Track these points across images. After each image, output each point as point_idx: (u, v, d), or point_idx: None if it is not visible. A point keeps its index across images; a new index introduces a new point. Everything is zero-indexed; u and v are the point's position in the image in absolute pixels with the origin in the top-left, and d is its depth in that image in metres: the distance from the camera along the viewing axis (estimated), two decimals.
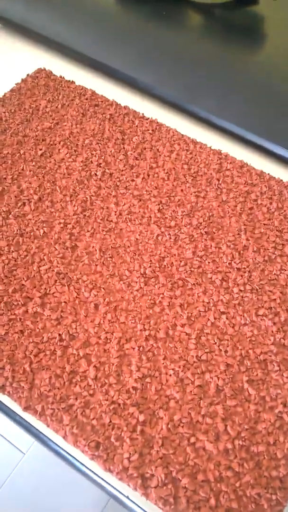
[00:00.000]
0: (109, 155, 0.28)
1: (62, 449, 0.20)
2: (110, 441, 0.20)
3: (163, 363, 0.21)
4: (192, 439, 0.20)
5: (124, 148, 0.29)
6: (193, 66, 0.32)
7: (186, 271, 0.24)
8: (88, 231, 0.25)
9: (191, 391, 0.21)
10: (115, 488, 0.19)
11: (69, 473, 0.73)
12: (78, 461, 0.20)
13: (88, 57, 0.33)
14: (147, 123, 0.30)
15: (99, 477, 0.20)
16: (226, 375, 0.21)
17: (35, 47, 0.36)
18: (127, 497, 0.20)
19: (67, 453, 0.20)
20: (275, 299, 0.23)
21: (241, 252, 0.25)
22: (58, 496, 0.72)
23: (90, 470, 0.20)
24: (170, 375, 0.21)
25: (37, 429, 0.21)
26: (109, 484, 0.19)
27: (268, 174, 0.28)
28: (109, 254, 0.24)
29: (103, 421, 0.20)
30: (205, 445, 0.20)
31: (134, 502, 0.19)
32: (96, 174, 0.28)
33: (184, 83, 0.31)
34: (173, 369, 0.21)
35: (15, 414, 0.21)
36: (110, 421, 0.20)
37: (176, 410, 0.20)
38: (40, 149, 0.29)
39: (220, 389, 0.21)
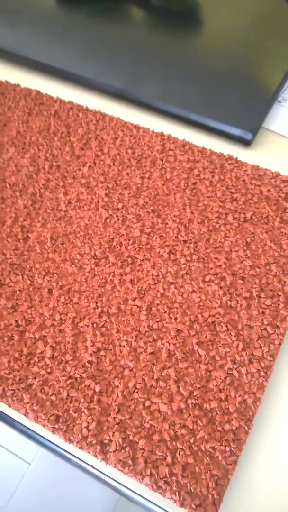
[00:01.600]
0: (56, 149, 0.29)
1: (68, 452, 0.21)
2: (69, 414, 0.20)
3: (117, 336, 0.22)
4: (147, 403, 0.20)
5: (69, 140, 0.30)
6: (133, 55, 0.33)
7: (135, 249, 0.25)
8: (38, 221, 0.26)
9: (144, 359, 0.22)
10: (124, 486, 0.20)
11: (76, 480, 0.74)
12: (84, 462, 0.21)
13: (30, 59, 0.34)
14: (91, 114, 0.31)
15: (106, 475, 0.20)
16: (177, 340, 0.22)
17: None
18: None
19: (73, 455, 0.21)
20: (220, 265, 0.24)
21: (187, 225, 0.26)
22: (68, 503, 0.72)
23: (98, 471, 0.20)
24: (124, 346, 0.22)
25: (40, 435, 0.21)
26: (118, 482, 0.20)
27: (210, 149, 0.29)
28: (60, 241, 0.25)
29: (61, 395, 0.21)
30: (160, 407, 0.20)
31: (144, 498, 0.20)
32: (44, 168, 0.29)
33: (124, 73, 0.32)
34: (126, 341, 0.22)
35: (18, 423, 0.22)
36: (68, 395, 0.21)
37: (130, 378, 0.21)
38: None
39: (172, 354, 0.22)
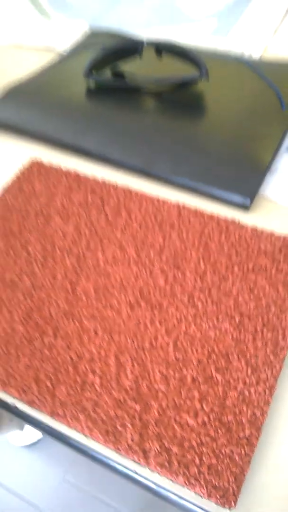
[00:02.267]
0: (93, 217, 0.37)
1: (114, 461, 0.27)
2: (116, 428, 0.26)
3: (150, 366, 0.28)
4: (177, 418, 0.26)
5: (104, 210, 0.37)
6: (150, 138, 0.41)
7: (161, 296, 0.31)
8: (83, 276, 0.33)
9: (173, 383, 0.27)
10: (161, 487, 0.25)
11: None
12: (128, 469, 0.26)
13: (66, 143, 0.43)
14: (120, 189, 0.39)
15: (146, 479, 0.26)
16: (198, 367, 0.28)
17: (22, 140, 0.46)
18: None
19: (118, 463, 0.27)
20: (230, 307, 0.30)
21: (201, 275, 0.32)
22: None
23: (140, 475, 0.26)
24: (156, 374, 0.28)
25: (92, 449, 0.27)
26: (156, 484, 0.26)
27: (217, 215, 0.36)
28: (101, 292, 0.32)
29: (110, 414, 0.27)
30: (188, 421, 0.26)
31: (178, 495, 0.25)
32: (85, 233, 0.36)
33: (144, 153, 0.40)
34: (158, 370, 0.28)
35: (72, 440, 0.28)
36: (115, 414, 0.27)
37: (163, 399, 0.27)
38: (40, 220, 0.37)
39: (195, 379, 0.27)
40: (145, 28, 0.60)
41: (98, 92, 0.47)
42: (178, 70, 0.46)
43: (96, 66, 0.46)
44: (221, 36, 0.57)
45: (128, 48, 0.46)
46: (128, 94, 0.46)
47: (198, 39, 0.57)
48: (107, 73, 0.48)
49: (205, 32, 0.58)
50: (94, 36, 0.58)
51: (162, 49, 0.46)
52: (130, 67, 0.47)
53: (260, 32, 0.57)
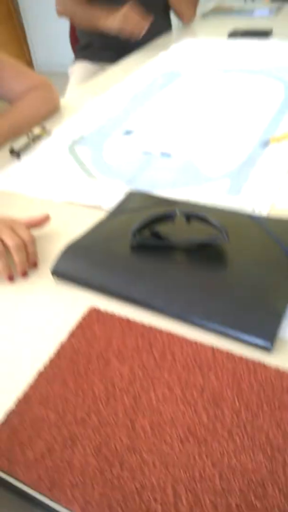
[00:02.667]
0: (144, 360, 0.46)
1: None
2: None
3: (201, 495, 0.35)
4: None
5: (152, 353, 0.46)
6: (184, 289, 0.52)
7: (205, 431, 0.39)
8: (140, 414, 0.41)
9: (221, 510, 0.34)
10: None
11: None
12: None
13: (119, 293, 0.53)
14: (164, 334, 0.48)
15: None
16: (240, 496, 0.34)
17: (83, 289, 0.57)
18: None
19: None
20: (262, 441, 0.37)
21: (237, 413, 0.40)
22: None
23: None
24: (207, 502, 0.34)
25: None
26: None
27: (245, 357, 0.44)
28: (156, 428, 0.40)
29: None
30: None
31: None
32: (138, 374, 0.44)
33: (181, 303, 0.50)
34: (208, 498, 0.34)
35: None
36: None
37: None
38: (101, 363, 0.46)
39: (238, 506, 0.34)
40: (172, 188, 0.75)
41: (141, 248, 0.59)
42: (204, 231, 0.57)
43: (139, 229, 0.59)
44: (234, 194, 0.71)
45: (164, 216, 0.59)
46: (165, 250, 0.58)
47: (216, 198, 0.70)
48: (146, 233, 0.60)
49: (221, 191, 0.72)
50: (132, 196, 0.72)
51: (191, 217, 0.58)
52: (165, 229, 0.60)
53: (267, 190, 0.70)
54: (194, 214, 0.58)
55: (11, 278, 0.58)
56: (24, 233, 0.60)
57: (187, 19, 1.65)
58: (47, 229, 0.68)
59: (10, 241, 0.58)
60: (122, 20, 1.38)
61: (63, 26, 3.44)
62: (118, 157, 0.87)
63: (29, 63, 3.86)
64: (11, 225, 0.60)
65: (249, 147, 0.84)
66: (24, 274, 0.59)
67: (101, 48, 1.63)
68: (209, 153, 0.84)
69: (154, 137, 0.92)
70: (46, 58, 3.76)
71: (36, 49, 3.76)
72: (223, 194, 0.71)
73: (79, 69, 1.62)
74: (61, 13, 1.60)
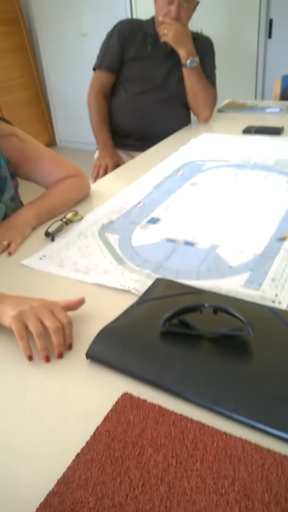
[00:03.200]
0: (177, 449, 0.49)
1: None
2: None
3: None
4: None
5: (185, 443, 0.49)
6: (213, 379, 0.56)
7: None
8: (175, 503, 0.43)
9: None
10: None
11: None
12: None
13: (150, 380, 0.57)
14: (195, 423, 0.51)
15: None
16: None
17: (117, 374, 0.61)
18: None
19: None
20: None
21: (267, 506, 0.42)
22: None
23: None
24: None
25: None
26: None
27: (272, 450, 0.47)
28: None
29: None
30: None
31: None
32: (172, 463, 0.47)
33: (210, 394, 0.54)
34: None
35: None
36: None
37: None
38: (136, 450, 0.49)
39: None
40: (196, 276, 0.81)
41: (170, 335, 0.64)
42: (229, 321, 0.63)
43: (169, 319, 0.64)
44: (254, 286, 0.77)
45: (193, 308, 0.65)
46: (192, 338, 0.63)
47: (236, 288, 0.76)
48: (175, 321, 0.65)
49: (241, 282, 0.78)
50: (159, 282, 0.78)
51: (217, 310, 0.64)
52: (193, 318, 0.65)
53: (285, 283, 0.76)
54: (221, 308, 0.63)
55: (48, 359, 0.63)
56: (62, 316, 0.65)
57: (203, 120, 1.82)
58: (80, 310, 0.73)
59: (50, 324, 0.63)
60: (101, 158, 1.68)
61: (83, 108, 3.75)
62: (145, 244, 0.94)
63: (52, 139, 4.16)
64: (51, 308, 0.66)
65: (267, 241, 0.92)
66: (60, 356, 0.63)
67: (124, 136, 1.79)
68: (230, 244, 0.91)
69: (178, 226, 1.01)
70: (67, 135, 4.06)
71: (59, 127, 4.07)
72: (243, 285, 0.77)
73: None
74: (87, 102, 1.79)
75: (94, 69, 1.78)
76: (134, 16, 3.25)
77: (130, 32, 1.72)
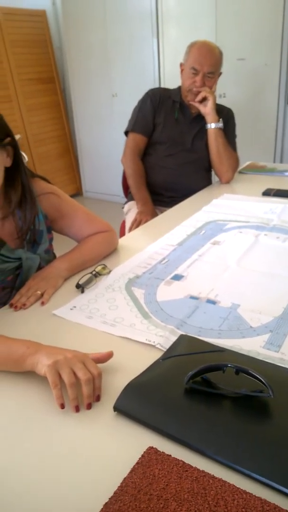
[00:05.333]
0: (199, 504, 0.51)
1: None
2: None
3: None
4: None
5: (207, 499, 0.52)
6: (234, 438, 0.59)
7: None
8: None
9: None
10: None
11: None
12: None
13: (173, 436, 0.61)
14: (216, 481, 0.54)
15: None
16: None
17: (142, 427, 0.64)
18: None
19: None
20: None
21: None
22: None
23: None
24: None
25: None
26: None
27: None
28: None
29: None
30: None
31: None
32: (195, 511, 0.50)
33: (231, 453, 0.57)
34: None
35: None
36: None
37: None
38: (161, 503, 0.52)
39: None
40: (217, 334, 0.85)
41: (193, 392, 0.67)
42: (250, 382, 0.66)
43: (193, 376, 0.68)
44: (274, 347, 0.80)
45: (217, 367, 0.69)
46: (215, 397, 0.66)
47: (256, 349, 0.80)
48: (198, 378, 0.69)
49: (261, 343, 0.82)
50: (183, 339, 0.82)
51: (240, 371, 0.68)
52: (216, 376, 0.69)
53: None
54: (243, 370, 0.67)
55: (77, 409, 0.67)
56: (93, 368, 0.70)
57: (225, 181, 1.92)
58: (108, 364, 0.78)
59: (82, 375, 0.68)
60: (142, 214, 1.79)
61: (108, 162, 3.94)
62: (169, 299, 0.99)
63: (79, 189, 4.35)
64: (83, 360, 0.71)
65: (285, 303, 0.96)
66: (89, 407, 0.67)
67: (156, 193, 1.90)
68: (250, 304, 0.96)
69: (200, 284, 1.06)
70: (92, 186, 4.24)
71: (86, 178, 4.27)
72: (263, 346, 0.81)
73: (134, 211, 1.86)
74: (122, 162, 1.92)
75: (126, 132, 1.92)
76: (162, 79, 3.48)
77: (160, 99, 1.86)
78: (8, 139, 0.95)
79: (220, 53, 1.78)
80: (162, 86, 3.39)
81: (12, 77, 3.65)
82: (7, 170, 0.96)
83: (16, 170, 0.98)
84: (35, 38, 3.83)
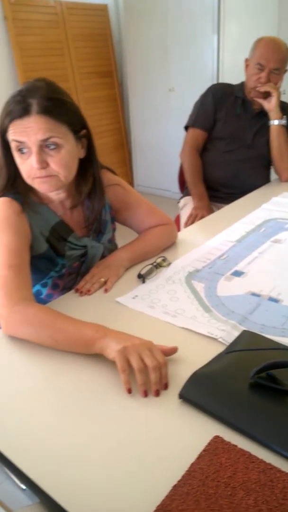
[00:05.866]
0: (267, 495, 0.52)
1: None
2: None
3: None
4: None
5: (274, 492, 0.52)
6: None
7: None
8: None
9: None
10: None
11: None
12: None
13: (239, 428, 0.61)
14: (284, 475, 0.55)
15: None
16: None
17: (208, 417, 0.65)
18: None
19: None
20: None
21: None
22: None
23: None
24: None
25: None
26: None
27: None
28: None
29: None
30: None
31: None
32: (263, 508, 0.50)
33: None
34: None
35: None
36: None
37: None
38: (228, 491, 0.53)
39: None
40: (281, 333, 0.85)
41: (258, 387, 0.68)
42: None
43: (258, 372, 0.68)
44: None
45: (283, 364, 0.69)
46: (280, 393, 0.66)
47: None
48: (263, 374, 0.69)
49: None
50: (246, 335, 0.82)
51: None
52: (280, 373, 0.69)
53: None
54: None
55: (145, 393, 0.69)
56: (160, 357, 0.72)
57: (285, 179, 1.88)
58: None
59: (149, 362, 0.70)
60: (197, 209, 1.80)
61: (162, 157, 3.94)
62: (230, 295, 1.00)
63: (131, 183, 4.40)
64: (150, 347, 0.72)
65: None
66: (157, 393, 0.69)
67: (213, 189, 1.89)
68: None
69: (262, 282, 1.05)
70: (144, 181, 4.28)
71: (138, 173, 4.31)
72: None
73: (189, 206, 1.87)
74: (180, 157, 1.92)
75: (186, 127, 1.92)
76: (220, 75, 3.44)
77: (222, 94, 1.85)
78: (84, 131, 0.98)
79: (287, 50, 1.74)
80: (221, 82, 3.35)
81: (72, 70, 3.73)
82: (80, 161, 1.00)
83: (89, 161, 1.02)
84: (96, 32, 3.89)
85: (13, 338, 0.84)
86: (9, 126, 0.88)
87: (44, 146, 0.89)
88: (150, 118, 3.99)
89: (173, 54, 3.62)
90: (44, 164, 0.90)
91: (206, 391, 0.68)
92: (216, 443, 0.60)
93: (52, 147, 0.90)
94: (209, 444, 0.60)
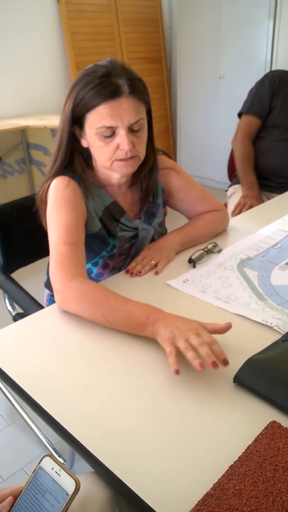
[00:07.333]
0: None
1: None
2: None
3: None
4: None
5: None
6: None
7: None
8: None
9: None
10: None
11: None
12: None
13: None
14: None
15: None
16: None
17: (260, 402, 0.65)
18: None
19: None
20: None
21: None
22: None
23: None
24: None
25: None
26: None
27: None
28: None
29: None
30: None
31: None
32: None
33: None
34: None
35: None
36: None
37: None
38: (286, 474, 0.52)
39: None
40: None
41: None
42: None
43: None
44: None
45: None
46: None
47: None
48: None
49: None
50: None
51: None
52: None
53: None
54: None
55: (201, 366, 0.67)
56: (206, 337, 0.70)
57: None
58: (222, 337, 0.78)
59: (195, 342, 0.68)
60: (247, 198, 1.75)
61: (207, 145, 3.88)
62: (285, 284, 0.97)
63: None
64: (197, 331, 0.71)
65: None
66: (215, 365, 0.67)
67: (265, 178, 1.85)
68: None
69: None
70: (187, 169, 4.24)
71: (181, 161, 4.27)
72: None
73: (238, 194, 1.84)
74: (232, 144, 1.89)
75: (240, 114, 1.88)
76: (274, 62, 3.33)
77: (280, 81, 1.79)
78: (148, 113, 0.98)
79: None
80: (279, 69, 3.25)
81: (122, 55, 3.72)
82: None
83: (149, 141, 1.01)
84: (147, 17, 3.85)
85: (69, 313, 0.86)
86: (97, 107, 0.88)
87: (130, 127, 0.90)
88: (198, 105, 3.93)
89: (226, 40, 3.53)
90: (131, 146, 0.91)
91: (262, 376, 0.67)
92: (274, 428, 0.59)
93: (137, 128, 0.91)
94: (266, 428, 0.59)
